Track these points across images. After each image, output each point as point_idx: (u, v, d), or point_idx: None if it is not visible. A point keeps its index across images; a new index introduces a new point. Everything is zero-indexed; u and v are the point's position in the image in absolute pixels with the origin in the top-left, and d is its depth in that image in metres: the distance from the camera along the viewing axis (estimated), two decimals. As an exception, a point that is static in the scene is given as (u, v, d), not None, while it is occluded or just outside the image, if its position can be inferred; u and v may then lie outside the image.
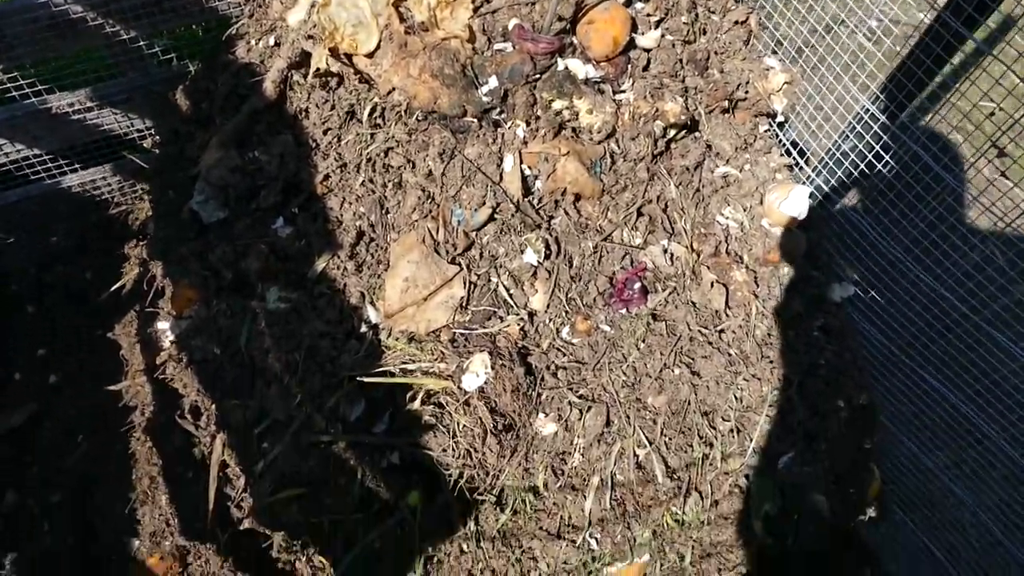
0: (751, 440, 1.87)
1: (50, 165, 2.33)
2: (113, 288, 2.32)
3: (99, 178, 2.43)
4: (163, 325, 1.98)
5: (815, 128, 1.82)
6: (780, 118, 1.89)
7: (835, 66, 1.70)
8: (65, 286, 2.52)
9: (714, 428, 1.84)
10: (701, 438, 1.83)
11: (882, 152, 1.64)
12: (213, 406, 1.87)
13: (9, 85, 2.05)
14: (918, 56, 1.55)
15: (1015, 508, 2.00)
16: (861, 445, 2.04)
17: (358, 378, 1.71)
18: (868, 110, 1.67)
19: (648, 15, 1.84)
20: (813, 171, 1.89)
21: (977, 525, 2.14)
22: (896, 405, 2.09)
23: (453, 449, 1.71)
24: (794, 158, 1.91)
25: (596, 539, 1.86)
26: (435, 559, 1.87)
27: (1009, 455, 1.86)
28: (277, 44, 1.99)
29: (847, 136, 1.76)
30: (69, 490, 2.20)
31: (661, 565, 2.00)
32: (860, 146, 1.73)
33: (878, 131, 1.66)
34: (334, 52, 1.78)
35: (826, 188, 1.87)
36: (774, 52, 1.89)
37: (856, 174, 1.79)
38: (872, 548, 2.49)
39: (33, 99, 2.10)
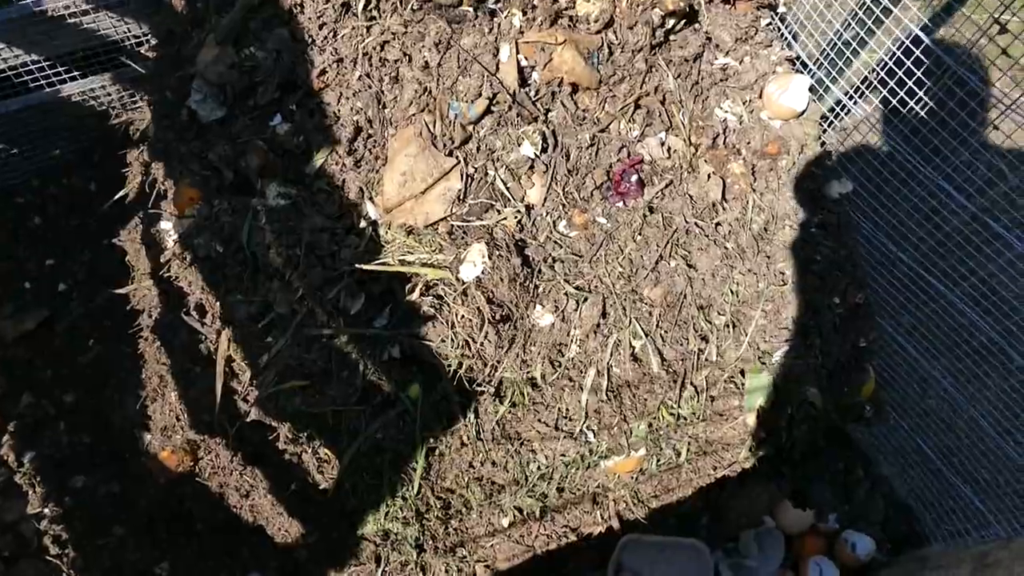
0: (746, 335, 1.89)
1: (49, 73, 2.32)
2: (117, 196, 2.34)
3: (98, 87, 2.42)
4: (166, 225, 2.00)
5: (816, 18, 1.79)
6: (782, 9, 1.85)
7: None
8: (70, 196, 2.54)
9: (710, 322, 1.86)
10: (697, 331, 1.85)
11: (883, 38, 1.61)
12: (217, 303, 1.90)
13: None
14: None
15: (1011, 407, 2.02)
16: (856, 343, 2.05)
17: (357, 267, 1.73)
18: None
19: (647, -102, 1.78)
20: (814, 63, 1.85)
21: (971, 425, 2.17)
22: (894, 306, 2.10)
23: (451, 340, 1.74)
24: (795, 51, 1.88)
25: (593, 431, 1.90)
26: (436, 451, 1.91)
27: (1004, 350, 1.87)
28: (270, -62, 1.95)
29: (849, 24, 1.72)
30: (82, 390, 2.26)
31: (657, 460, 2.05)
32: (862, 33, 1.70)
33: (880, 15, 1.63)
34: (327, -59, 1.75)
35: (827, 81, 1.84)
36: (777, -61, 1.84)
37: (857, 64, 1.76)
38: (865, 449, 2.54)
39: (28, 1, 2.09)
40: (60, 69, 2.33)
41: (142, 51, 2.36)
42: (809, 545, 2.52)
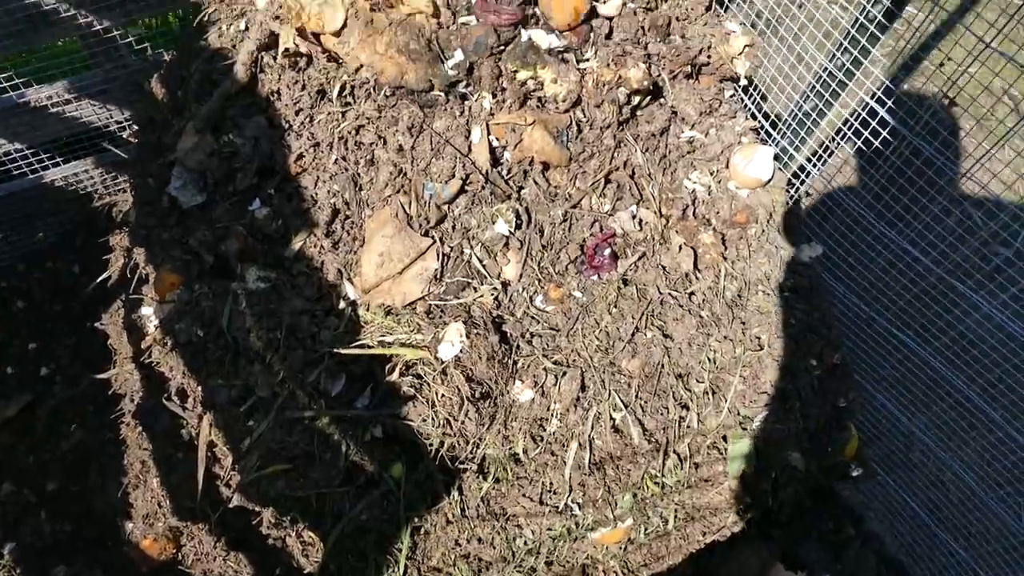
0: (726, 401, 1.90)
1: (32, 160, 2.35)
2: (99, 280, 2.35)
3: (81, 171, 2.46)
4: (147, 311, 2.01)
5: (777, 90, 1.85)
6: (744, 82, 1.91)
7: (793, 27, 1.72)
8: (53, 280, 2.56)
9: (689, 390, 1.87)
10: (676, 400, 1.86)
11: (841, 110, 1.67)
12: (199, 387, 1.90)
13: (-14, 80, 2.08)
14: (871, 13, 1.58)
15: (992, 463, 2.03)
16: (836, 403, 2.07)
17: (337, 352, 1.74)
18: (826, 69, 1.69)
19: (610, -16, 1.86)
20: (778, 133, 1.91)
21: (957, 482, 2.17)
22: (871, 364, 2.11)
23: (433, 419, 1.74)
24: (759, 121, 1.94)
25: (579, 504, 1.89)
26: (422, 529, 1.90)
27: (979, 407, 1.88)
28: (247, 28, 2.01)
29: (807, 96, 1.78)
30: (64, 477, 2.24)
31: (645, 529, 2.03)
32: (820, 105, 1.76)
33: (835, 88, 1.69)
34: (302, 32, 1.80)
35: (791, 149, 1.89)
36: (735, 16, 1.91)
37: (819, 133, 1.81)
38: (854, 506, 2.52)
39: (11, 93, 2.13)
40: (43, 156, 2.36)
41: (124, 136, 2.40)
42: (803, 608, 2.48)
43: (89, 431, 2.25)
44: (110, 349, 2.34)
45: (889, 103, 1.51)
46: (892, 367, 2.04)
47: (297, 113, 1.87)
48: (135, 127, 2.29)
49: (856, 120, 1.64)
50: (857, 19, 1.56)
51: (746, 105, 1.97)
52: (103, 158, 2.45)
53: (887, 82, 1.54)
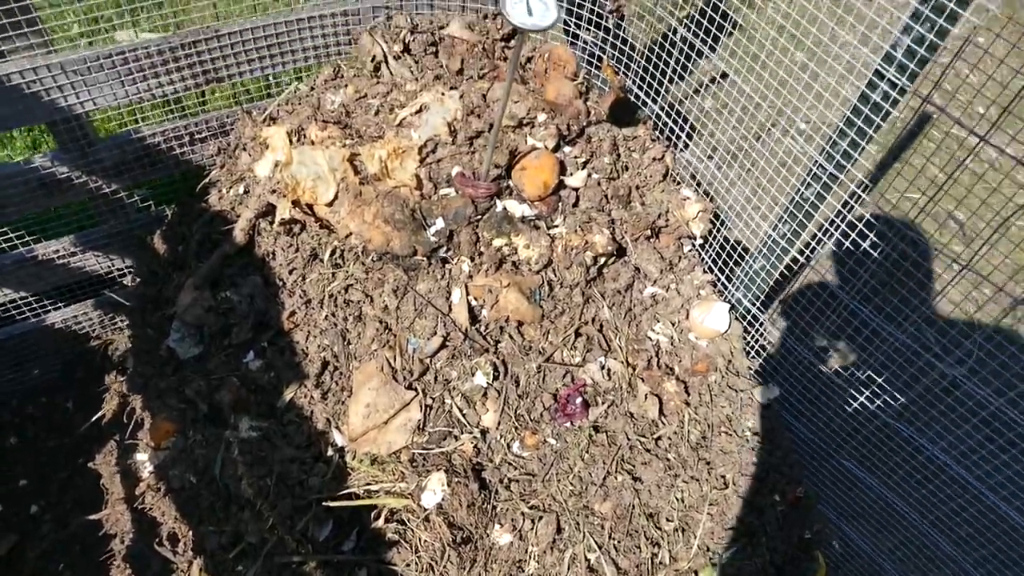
0: (695, 537, 2.01)
1: (35, 305, 2.50)
2: (94, 419, 2.46)
3: (80, 313, 2.60)
4: (142, 456, 2.12)
5: (729, 250, 2.06)
6: (699, 240, 2.12)
7: (739, 198, 1.94)
8: (47, 417, 2.65)
9: (659, 529, 1.99)
10: (648, 539, 1.97)
11: (786, 272, 1.87)
12: (190, 532, 1.99)
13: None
14: (798, 188, 1.80)
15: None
16: (801, 536, 2.19)
17: (326, 501, 1.85)
18: (771, 235, 1.90)
19: (575, 157, 2.08)
20: (733, 287, 2.11)
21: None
22: (834, 497, 2.25)
23: (416, 563, 1.84)
24: (715, 275, 2.14)
25: (558, 643, 1.97)
26: (406, 671, 1.96)
27: (936, 541, 2.01)
28: (246, 192, 2.21)
29: (756, 257, 1.99)
30: (50, 621, 2.28)
31: (625, 666, 2.10)
32: (768, 265, 1.96)
33: (780, 252, 1.89)
34: (296, 203, 2.00)
35: (744, 302, 2.09)
36: (689, 184, 2.14)
37: (768, 289, 2.01)
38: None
39: (21, 249, 2.30)
40: (46, 302, 2.51)
41: (123, 282, 2.56)
42: None
43: (78, 573, 2.31)
44: (102, 489, 2.42)
45: (831, 265, 1.70)
46: (852, 500, 2.17)
47: (291, 273, 2.05)
48: (137, 279, 2.45)
49: (797, 280, 1.83)
50: (796, 199, 1.78)
51: (703, 259, 2.18)
52: (101, 301, 2.60)
53: (817, 257, 1.74)
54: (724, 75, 2.01)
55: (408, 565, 1.84)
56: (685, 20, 1.99)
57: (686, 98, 1.97)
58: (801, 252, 1.85)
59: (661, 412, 1.98)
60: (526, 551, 1.90)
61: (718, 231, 2.07)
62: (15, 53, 1.85)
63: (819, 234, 1.82)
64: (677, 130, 2.12)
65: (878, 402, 1.95)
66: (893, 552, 2.16)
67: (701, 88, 1.94)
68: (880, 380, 1.91)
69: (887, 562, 2.23)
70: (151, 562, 2.09)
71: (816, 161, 1.69)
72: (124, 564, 2.18)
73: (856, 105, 1.56)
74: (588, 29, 2.30)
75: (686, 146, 2.13)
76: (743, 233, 1.97)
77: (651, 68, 2.11)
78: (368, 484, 1.87)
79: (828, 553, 2.31)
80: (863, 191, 1.64)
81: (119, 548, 2.22)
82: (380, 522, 1.87)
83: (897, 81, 1.44)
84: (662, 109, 2.17)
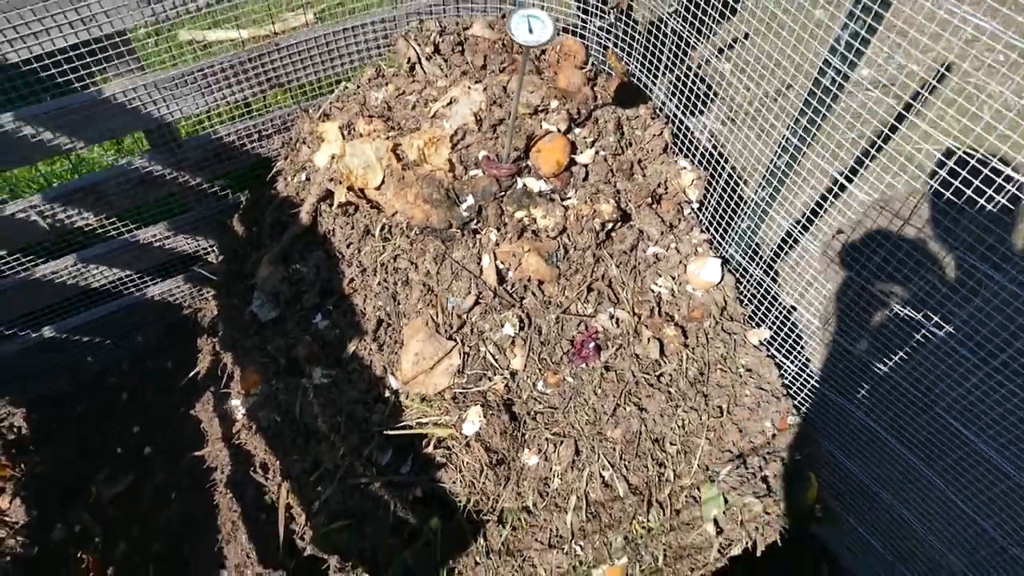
0: (696, 459, 2.38)
1: (137, 282, 2.97)
2: (191, 375, 2.93)
3: (175, 287, 3.07)
4: (235, 403, 2.57)
5: (722, 211, 2.37)
6: (696, 204, 2.44)
7: (724, 167, 2.26)
8: (152, 376, 3.15)
9: (664, 451, 2.36)
10: (654, 459, 2.34)
11: (765, 227, 2.18)
12: (277, 462, 2.44)
13: (108, 226, 2.71)
14: (771, 157, 2.10)
15: (933, 514, 2.44)
16: (793, 457, 2.53)
17: (385, 432, 2.27)
18: (753, 198, 2.22)
19: (584, 137, 2.42)
20: (727, 244, 2.43)
21: (904, 525, 2.58)
22: (825, 426, 2.57)
23: (460, 481, 2.25)
24: (712, 234, 2.46)
25: (580, 546, 2.37)
26: (456, 570, 2.38)
27: (924, 473, 2.32)
28: (308, 179, 2.61)
29: (743, 218, 2.30)
30: (167, 539, 2.78)
31: (640, 566, 2.49)
32: (752, 224, 2.28)
33: (761, 213, 2.21)
34: (351, 188, 2.39)
35: (737, 256, 2.41)
36: (685, 155, 2.46)
37: (754, 244, 2.33)
38: (828, 546, 2.94)
39: (125, 235, 2.76)
40: (147, 278, 2.98)
41: (209, 258, 3.02)
42: (785, 633, 2.88)
43: (187, 500, 2.80)
44: (202, 432, 2.90)
45: (803, 224, 2.02)
46: (839, 429, 2.49)
47: (348, 247, 2.45)
48: (221, 256, 2.89)
49: (781, 241, 2.15)
50: (771, 167, 2.09)
51: (700, 220, 2.50)
52: (191, 276, 3.06)
53: (795, 212, 2.05)
54: (721, 50, 2.31)
55: (454, 483, 2.25)
56: (675, 13, 2.29)
57: (684, 78, 2.27)
58: (779, 209, 2.16)
59: (662, 353, 2.33)
60: (550, 470, 2.29)
61: (714, 195, 2.39)
62: (119, 76, 2.27)
63: (788, 204, 2.12)
64: (672, 107, 2.43)
65: (857, 342, 2.26)
66: (880, 476, 2.48)
67: (694, 68, 2.25)
68: (848, 321, 2.22)
69: (877, 486, 2.55)
70: (247, 488, 2.56)
71: (784, 135, 2.00)
72: (226, 490, 2.65)
73: (816, 78, 1.85)
74: (595, 20, 2.61)
75: (682, 122, 2.44)
76: (734, 196, 2.28)
77: (649, 55, 2.42)
78: (419, 418, 2.29)
79: (825, 477, 2.64)
80: (826, 162, 1.94)
81: (220, 478, 2.69)
82: (430, 448, 2.28)
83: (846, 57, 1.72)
84: (661, 90, 2.48)
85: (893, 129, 1.76)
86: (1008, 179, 1.46)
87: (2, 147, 2.13)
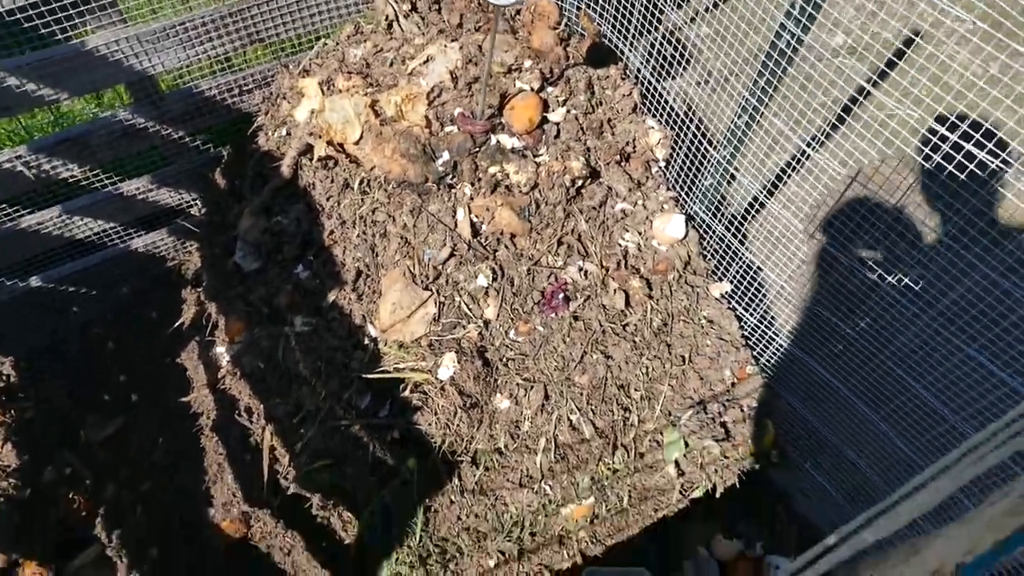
0: (659, 404, 2.51)
1: (122, 233, 3.04)
2: (176, 324, 3.02)
3: (158, 239, 3.13)
4: (220, 350, 2.67)
5: (687, 169, 2.48)
6: (662, 163, 2.54)
7: (689, 127, 2.35)
8: (137, 325, 3.23)
9: (629, 397, 2.49)
10: (619, 405, 2.48)
11: (728, 185, 2.29)
12: (261, 405, 2.55)
13: (92, 178, 2.76)
14: (738, 122, 2.20)
15: (887, 462, 2.60)
16: (751, 405, 2.68)
17: (364, 377, 2.39)
18: (715, 156, 2.32)
19: (556, 96, 2.50)
20: (691, 201, 2.54)
21: (852, 468, 2.75)
22: (781, 375, 2.72)
23: (435, 423, 2.37)
24: (677, 192, 2.56)
25: (549, 486, 2.51)
26: (432, 508, 2.51)
27: (877, 425, 2.47)
28: (288, 134, 2.68)
29: (707, 176, 2.41)
30: (156, 479, 2.90)
31: (606, 507, 2.64)
32: (714, 182, 2.38)
33: (722, 173, 2.31)
34: (330, 143, 2.47)
35: (700, 212, 2.52)
36: (653, 115, 2.55)
37: (717, 201, 2.44)
38: (783, 489, 3.11)
39: (109, 188, 2.82)
40: (131, 231, 3.05)
41: (192, 211, 3.09)
42: (739, 570, 3.07)
43: (174, 442, 2.91)
44: (188, 379, 3.00)
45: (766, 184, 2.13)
46: (796, 379, 2.64)
47: (328, 200, 2.53)
48: (204, 209, 2.96)
49: (746, 201, 2.26)
50: (732, 126, 2.19)
51: (667, 178, 2.60)
52: (175, 228, 3.13)
53: (758, 175, 2.16)
54: (693, 19, 2.39)
55: (430, 425, 2.38)
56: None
57: (654, 42, 2.35)
58: (740, 168, 2.27)
59: (628, 304, 2.45)
60: (521, 413, 2.42)
61: (680, 154, 2.49)
62: (101, 29, 2.32)
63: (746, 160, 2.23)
64: (641, 68, 2.52)
65: (813, 297, 2.39)
66: (828, 419, 2.64)
67: (663, 31, 2.33)
68: (794, 266, 2.35)
69: (827, 430, 2.71)
70: (232, 431, 2.68)
71: (743, 94, 2.09)
72: (211, 434, 2.77)
73: (772, 41, 1.94)
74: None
75: (651, 83, 2.53)
76: (698, 155, 2.39)
77: (620, 17, 2.50)
78: (396, 364, 2.40)
79: (777, 421, 2.80)
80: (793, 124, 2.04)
81: (206, 422, 2.80)
82: (407, 392, 2.40)
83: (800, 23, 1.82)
84: (631, 52, 2.56)
85: (865, 94, 1.86)
86: (979, 145, 1.57)
87: (-12, 98, 2.18)
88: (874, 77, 2.05)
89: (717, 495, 2.78)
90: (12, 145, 3.06)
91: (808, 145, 2.02)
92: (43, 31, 2.15)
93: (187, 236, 3.17)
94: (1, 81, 2.18)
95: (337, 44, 2.70)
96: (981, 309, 1.90)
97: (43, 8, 2.10)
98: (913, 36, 2.45)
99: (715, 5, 2.36)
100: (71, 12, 2.16)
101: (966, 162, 1.63)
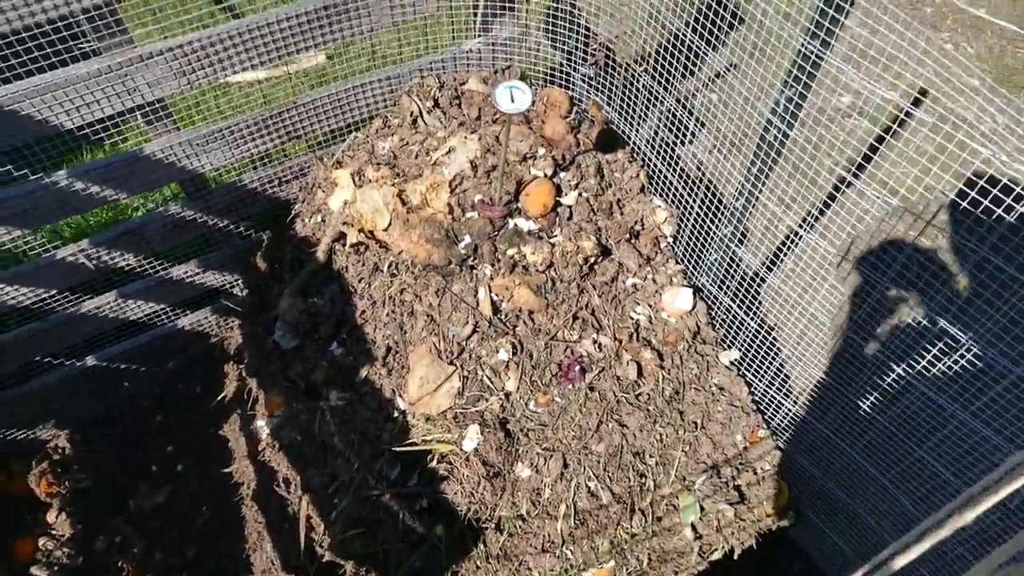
0: (673, 470, 2.62)
1: (170, 313, 3.27)
2: (218, 398, 3.21)
3: (203, 318, 3.36)
4: (260, 423, 2.84)
5: (693, 245, 2.63)
6: (669, 239, 2.70)
7: (693, 206, 2.52)
8: (182, 399, 3.43)
9: (644, 463, 2.60)
10: (635, 471, 2.59)
11: (731, 261, 2.44)
12: (298, 477, 2.70)
13: (146, 265, 3.00)
14: (731, 201, 2.36)
15: (886, 513, 2.66)
16: (763, 468, 2.77)
17: (394, 449, 2.54)
18: (718, 234, 2.48)
19: (569, 181, 2.69)
20: (698, 273, 2.68)
21: (868, 531, 2.81)
22: (791, 438, 2.81)
23: (461, 492, 2.51)
24: (685, 265, 2.72)
25: (571, 551, 2.61)
26: (459, 573, 2.63)
27: (885, 487, 2.55)
28: (323, 221, 2.90)
29: (710, 251, 2.56)
30: (200, 546, 3.05)
31: (626, 569, 2.73)
32: (718, 257, 2.54)
33: (726, 248, 2.46)
34: (361, 230, 2.67)
35: (708, 285, 2.66)
36: (659, 195, 2.72)
37: (722, 275, 2.59)
38: (800, 546, 3.16)
39: (160, 272, 3.06)
40: (178, 310, 3.28)
41: (234, 291, 3.31)
42: (764, 629, 3.11)
43: (217, 511, 3.07)
44: (230, 450, 3.18)
45: (764, 256, 2.27)
46: (806, 440, 2.73)
47: (359, 282, 2.73)
48: (246, 290, 3.18)
49: (749, 279, 2.41)
50: (732, 207, 2.35)
51: (675, 252, 2.76)
52: (218, 307, 3.35)
53: (760, 251, 2.31)
54: (684, 105, 2.58)
55: (456, 494, 2.51)
56: (646, 70, 2.57)
57: (657, 126, 2.54)
58: (740, 244, 2.42)
59: (641, 374, 2.59)
60: (542, 481, 2.54)
61: (685, 230, 2.65)
62: (158, 136, 2.57)
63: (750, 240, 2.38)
64: (647, 150, 2.70)
65: (813, 366, 2.51)
66: (840, 479, 2.72)
67: (663, 118, 2.52)
68: (806, 341, 2.47)
69: (840, 490, 2.78)
70: (271, 500, 2.83)
71: (740, 181, 2.26)
72: (251, 503, 2.92)
73: (766, 125, 2.11)
74: (578, 73, 2.89)
75: (656, 164, 2.71)
76: (703, 232, 2.54)
77: (626, 104, 2.70)
78: (424, 436, 2.55)
79: (791, 481, 2.87)
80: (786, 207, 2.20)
81: (246, 492, 2.96)
82: (434, 463, 2.54)
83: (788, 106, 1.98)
84: (637, 136, 2.75)
85: (848, 180, 2.02)
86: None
87: (60, 201, 2.42)
88: (857, 163, 2.20)
89: (735, 557, 2.86)
90: (70, 234, 3.33)
91: (799, 226, 2.17)
92: (104, 139, 2.41)
93: (229, 314, 3.38)
94: (69, 186, 2.42)
95: (367, 137, 2.93)
96: (970, 379, 2.01)
97: (108, 123, 2.36)
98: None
99: (705, 86, 2.55)
100: (132, 123, 2.41)
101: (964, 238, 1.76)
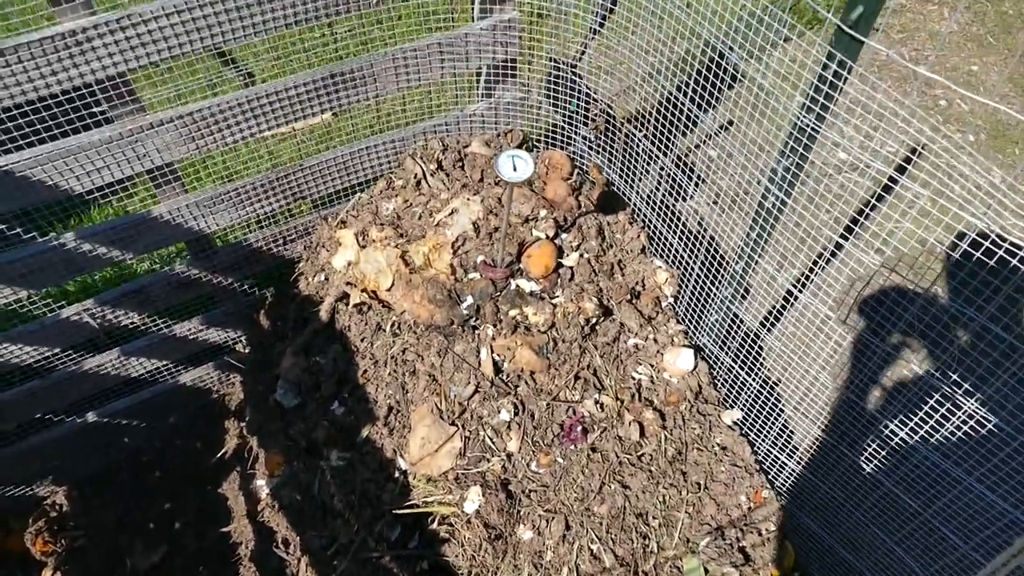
0: (677, 531, 2.59)
1: (172, 368, 3.27)
2: (218, 455, 3.20)
3: (204, 374, 3.36)
4: (260, 482, 2.82)
5: (694, 305, 2.65)
6: (671, 299, 2.72)
7: (693, 267, 2.54)
8: (182, 455, 3.41)
9: (647, 525, 2.57)
10: (638, 533, 2.56)
11: (732, 322, 2.45)
12: (298, 537, 2.67)
13: (149, 323, 3.01)
14: (730, 264, 2.39)
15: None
16: (768, 529, 2.74)
17: (395, 511, 2.51)
18: (717, 296, 2.50)
19: (570, 242, 2.72)
20: (699, 333, 2.69)
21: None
22: (795, 498, 2.79)
23: (462, 555, 2.47)
24: (686, 325, 2.73)
25: (574, 614, 2.57)
26: (460, 638, 2.59)
27: (893, 550, 2.53)
28: (326, 279, 2.92)
29: (710, 312, 2.58)
30: (197, 608, 3.00)
31: (631, 632, 2.68)
32: (719, 318, 2.55)
33: (727, 310, 2.48)
34: (364, 290, 2.70)
35: (709, 344, 2.67)
36: (660, 255, 2.75)
37: (723, 335, 2.59)
38: (809, 610, 3.11)
39: (164, 330, 3.07)
40: (180, 366, 3.28)
41: (237, 348, 3.31)
42: None
43: (215, 572, 3.03)
44: (229, 508, 3.15)
45: (763, 316, 2.29)
46: (810, 500, 2.71)
47: (362, 341, 2.74)
48: (248, 348, 3.19)
49: (749, 339, 2.42)
50: (731, 270, 2.37)
51: (676, 312, 2.77)
52: (220, 363, 3.35)
53: (760, 312, 2.33)
54: (683, 171, 2.62)
55: (457, 556, 2.48)
56: (644, 133, 2.62)
57: (656, 187, 2.58)
58: (741, 304, 2.43)
59: (643, 435, 2.58)
60: (544, 544, 2.51)
61: (686, 291, 2.67)
62: (166, 197, 2.61)
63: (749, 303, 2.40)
64: (647, 212, 2.74)
65: (816, 426, 2.50)
66: (846, 539, 2.69)
67: (663, 179, 2.56)
68: (806, 407, 2.47)
69: (845, 551, 2.75)
70: (270, 561, 2.79)
71: (740, 244, 2.29)
72: (250, 564, 2.88)
73: (764, 192, 2.14)
74: (579, 136, 2.94)
75: (655, 226, 2.74)
76: (703, 292, 2.56)
77: (625, 167, 2.74)
78: (425, 497, 2.53)
79: (797, 544, 2.84)
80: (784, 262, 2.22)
81: (245, 552, 2.92)
82: (435, 525, 2.51)
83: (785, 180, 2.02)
84: (636, 197, 2.79)
85: (839, 240, 2.04)
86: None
87: (67, 262, 2.45)
88: (848, 228, 2.23)
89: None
90: (74, 291, 3.35)
91: (794, 286, 2.19)
92: (112, 201, 2.44)
93: (231, 371, 3.38)
94: (76, 248, 2.45)
95: (371, 198, 2.97)
96: (975, 443, 2.00)
97: (117, 187, 2.40)
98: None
99: (696, 146, 2.60)
100: (140, 187, 2.45)
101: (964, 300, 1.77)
